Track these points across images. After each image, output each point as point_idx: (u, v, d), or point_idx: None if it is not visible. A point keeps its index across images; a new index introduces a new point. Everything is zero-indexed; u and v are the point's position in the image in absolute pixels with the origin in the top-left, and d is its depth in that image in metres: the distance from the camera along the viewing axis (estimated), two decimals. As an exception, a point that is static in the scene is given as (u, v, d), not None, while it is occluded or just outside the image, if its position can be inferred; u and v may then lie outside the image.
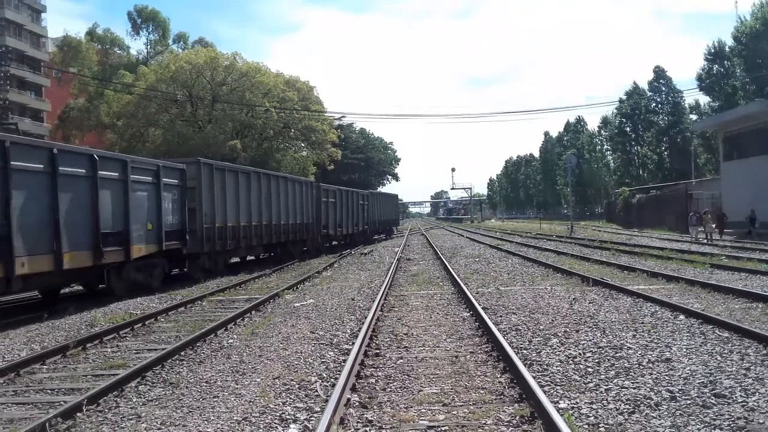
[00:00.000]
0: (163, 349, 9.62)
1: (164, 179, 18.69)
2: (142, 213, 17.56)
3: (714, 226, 32.09)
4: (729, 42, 57.94)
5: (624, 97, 77.69)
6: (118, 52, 59.37)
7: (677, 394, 6.52)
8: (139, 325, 12.25)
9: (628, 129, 77.96)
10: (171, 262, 20.12)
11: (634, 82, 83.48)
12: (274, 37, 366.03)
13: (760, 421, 5.74)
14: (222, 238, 22.25)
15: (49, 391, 7.82)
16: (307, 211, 32.07)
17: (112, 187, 16.26)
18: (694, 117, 69.76)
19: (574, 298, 13.35)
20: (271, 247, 28.36)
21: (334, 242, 39.76)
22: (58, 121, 55.70)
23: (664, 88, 74.75)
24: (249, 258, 28.21)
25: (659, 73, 74.74)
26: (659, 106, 75.38)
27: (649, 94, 75.85)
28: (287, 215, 28.84)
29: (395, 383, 7.45)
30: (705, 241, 30.53)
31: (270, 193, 26.78)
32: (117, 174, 16.56)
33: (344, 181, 72.35)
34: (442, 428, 5.89)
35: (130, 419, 6.50)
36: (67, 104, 55.34)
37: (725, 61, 59.17)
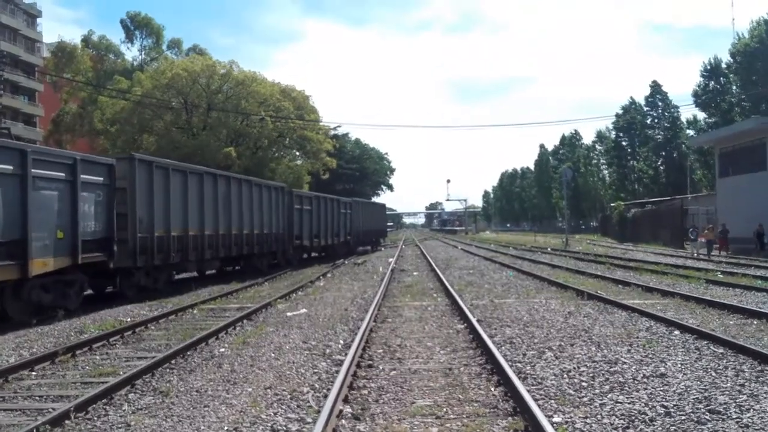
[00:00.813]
0: (153, 357, 9.52)
1: (83, 176, 15.35)
2: (49, 217, 14.23)
3: (712, 242, 31.24)
4: (725, 58, 58.37)
5: (620, 112, 78.07)
6: (113, 58, 59.36)
7: (672, 410, 6.47)
8: (129, 332, 12.13)
9: (624, 143, 78.27)
10: (97, 278, 17.03)
11: (631, 97, 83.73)
12: (271, 47, 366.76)
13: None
14: (163, 250, 18.94)
15: (37, 397, 7.71)
16: (277, 220, 28.92)
17: (3, 183, 13.04)
18: (690, 132, 70.08)
19: (568, 312, 13.30)
20: (231, 260, 24.99)
21: (312, 254, 37.22)
22: (51, 126, 55.61)
23: (660, 103, 75.11)
24: (209, 272, 25.21)
25: (656, 89, 75.13)
26: (656, 121, 75.70)
27: (646, 109, 76.21)
28: (251, 224, 25.75)
29: (388, 395, 7.38)
30: (704, 257, 29.88)
31: (230, 198, 23.57)
32: (10, 167, 13.16)
33: (338, 190, 72.34)
34: (435, 441, 5.83)
35: (119, 428, 6.41)
36: (61, 109, 55.25)
37: (721, 78, 59.52)
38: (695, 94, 60.96)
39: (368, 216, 50.32)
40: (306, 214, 32.99)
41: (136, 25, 59.05)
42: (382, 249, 53.27)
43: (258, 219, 26.63)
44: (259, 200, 27.01)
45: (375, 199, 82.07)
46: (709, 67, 60.43)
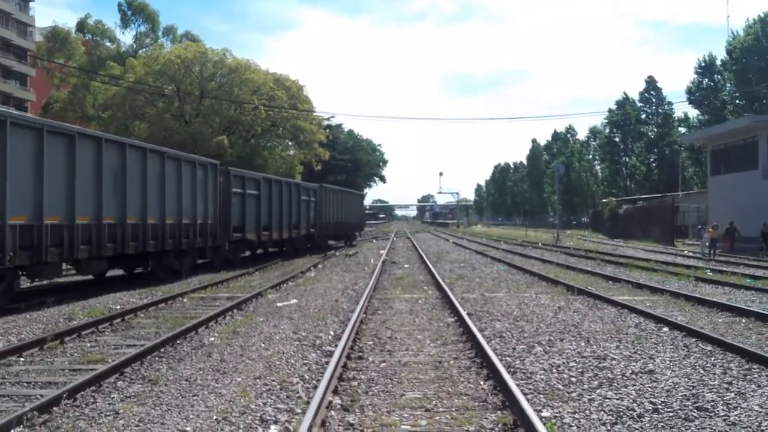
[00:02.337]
0: (143, 345, 9.50)
1: None
2: None
3: (716, 240, 29.80)
4: (720, 56, 58.44)
5: (614, 107, 78.00)
6: (108, 44, 58.93)
7: (660, 406, 6.50)
8: (119, 320, 12.09)
9: (617, 139, 78.22)
10: None
11: (625, 92, 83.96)
12: (265, 35, 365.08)
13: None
14: None
15: (25, 383, 7.68)
16: (205, 206, 22.47)
17: None
18: (683, 130, 70.18)
19: (558, 307, 13.35)
20: (130, 259, 18.92)
21: (259, 251, 31.17)
22: (42, 111, 55.21)
23: (654, 99, 74.98)
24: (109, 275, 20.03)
25: (651, 84, 74.91)
26: (649, 117, 75.65)
27: (640, 104, 76.09)
28: (162, 210, 19.40)
29: (378, 387, 7.38)
30: (708, 256, 28.85)
31: (126, 175, 17.50)
32: None
33: (331, 181, 72.19)
34: (424, 434, 5.84)
35: (108, 415, 6.38)
36: (51, 95, 54.81)
37: (715, 75, 59.60)
38: (689, 91, 60.97)
39: (341, 205, 43.41)
40: (251, 201, 26.79)
41: (133, 11, 58.58)
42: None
43: (175, 204, 20.19)
44: (176, 179, 20.38)
45: (367, 191, 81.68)
46: (703, 65, 60.50)
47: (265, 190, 28.45)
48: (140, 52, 56.45)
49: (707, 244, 29.79)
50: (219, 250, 24.18)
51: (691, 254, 31.25)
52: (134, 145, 19.01)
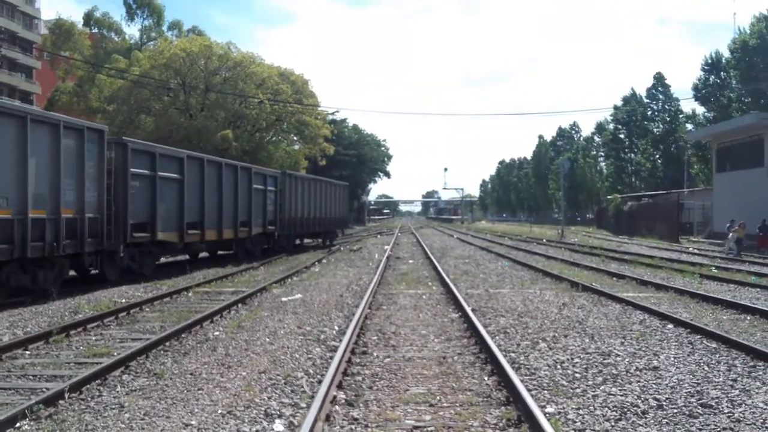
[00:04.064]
0: (148, 338, 9.53)
1: None
2: None
3: (741, 240, 28.42)
4: (726, 53, 58.18)
5: (620, 104, 77.67)
6: (114, 37, 58.94)
7: (664, 403, 6.51)
8: (124, 313, 12.14)
9: (622, 135, 77.91)
10: None
11: (632, 89, 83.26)
12: (269, 28, 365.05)
13: (747, 433, 5.73)
14: None
15: (31, 376, 7.72)
16: (82, 193, 15.51)
17: None
18: (689, 127, 69.88)
19: (563, 303, 13.34)
20: None
21: (186, 255, 23.57)
22: (47, 103, 55.25)
23: (661, 96, 74.59)
24: None
25: (659, 80, 74.45)
26: (656, 113, 75.28)
27: (647, 101, 75.72)
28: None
29: (382, 382, 7.40)
30: (733, 254, 27.55)
31: None
32: None
33: (335, 177, 72.11)
34: (429, 429, 5.85)
35: (113, 408, 6.41)
36: (56, 87, 54.85)
37: (721, 72, 59.35)
38: (695, 88, 60.74)
39: (316, 198, 35.25)
40: (168, 188, 19.75)
41: (138, 4, 58.55)
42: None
43: (13, 187, 13.47)
44: (16, 147, 13.48)
45: (372, 186, 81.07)
46: (710, 62, 60.26)
47: (192, 173, 21.06)
48: (147, 45, 56.44)
49: (733, 242, 28.54)
50: (113, 256, 17.06)
51: (696, 251, 31.14)
52: None
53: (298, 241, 34.79)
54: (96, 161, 16.27)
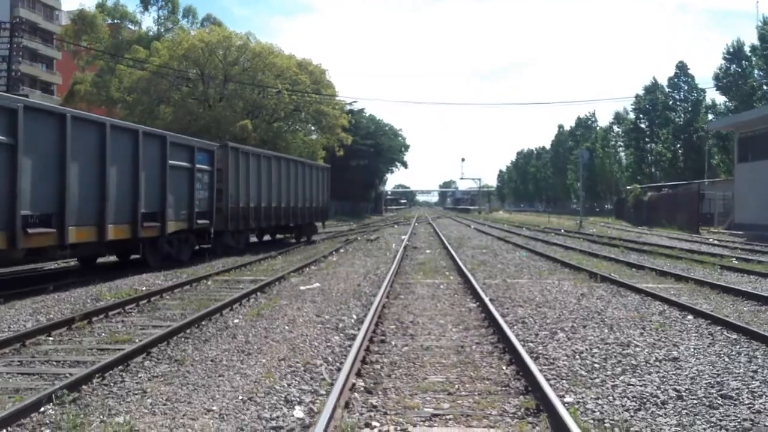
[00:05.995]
0: (169, 326, 9.64)
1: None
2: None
3: None
4: (748, 42, 57.38)
5: (641, 93, 76.66)
6: (130, 27, 59.20)
7: (684, 394, 6.48)
8: (145, 301, 12.27)
9: (643, 125, 76.99)
10: None
11: (654, 78, 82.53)
12: (286, 18, 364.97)
13: (767, 423, 5.70)
14: None
15: (54, 362, 7.84)
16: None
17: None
18: (711, 116, 69.00)
19: (581, 294, 13.29)
20: None
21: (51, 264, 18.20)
22: (68, 94, 55.70)
23: (684, 85, 73.49)
24: None
25: (682, 69, 73.26)
26: (677, 103, 74.23)
27: (668, 90, 74.66)
28: None
29: (400, 370, 7.43)
30: None
31: None
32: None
33: (353, 166, 72.18)
34: (447, 416, 5.88)
35: (136, 394, 6.50)
36: (74, 78, 55.24)
37: (743, 61, 58.55)
38: (716, 77, 60.04)
39: (281, 182, 27.77)
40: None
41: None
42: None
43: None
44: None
45: (389, 176, 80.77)
46: (732, 50, 59.47)
47: (39, 136, 13.12)
48: (163, 35, 56.64)
49: None
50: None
51: (717, 242, 30.85)
52: None
53: (255, 239, 28.23)
54: None
